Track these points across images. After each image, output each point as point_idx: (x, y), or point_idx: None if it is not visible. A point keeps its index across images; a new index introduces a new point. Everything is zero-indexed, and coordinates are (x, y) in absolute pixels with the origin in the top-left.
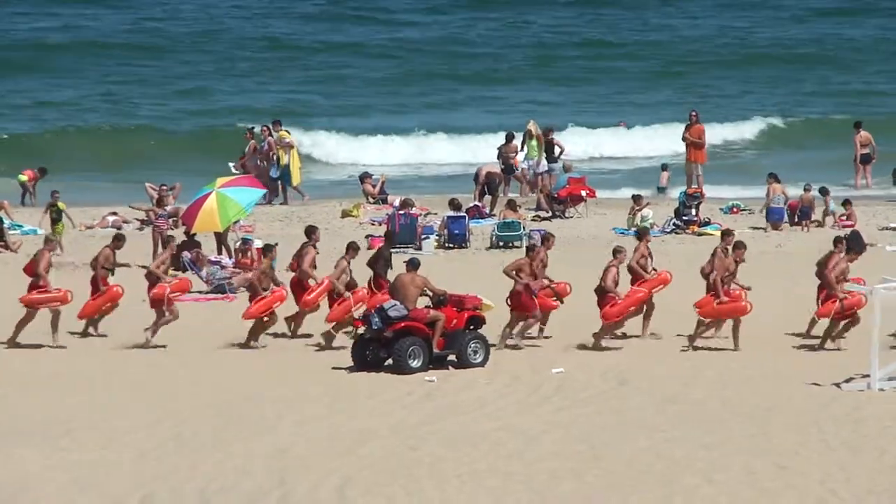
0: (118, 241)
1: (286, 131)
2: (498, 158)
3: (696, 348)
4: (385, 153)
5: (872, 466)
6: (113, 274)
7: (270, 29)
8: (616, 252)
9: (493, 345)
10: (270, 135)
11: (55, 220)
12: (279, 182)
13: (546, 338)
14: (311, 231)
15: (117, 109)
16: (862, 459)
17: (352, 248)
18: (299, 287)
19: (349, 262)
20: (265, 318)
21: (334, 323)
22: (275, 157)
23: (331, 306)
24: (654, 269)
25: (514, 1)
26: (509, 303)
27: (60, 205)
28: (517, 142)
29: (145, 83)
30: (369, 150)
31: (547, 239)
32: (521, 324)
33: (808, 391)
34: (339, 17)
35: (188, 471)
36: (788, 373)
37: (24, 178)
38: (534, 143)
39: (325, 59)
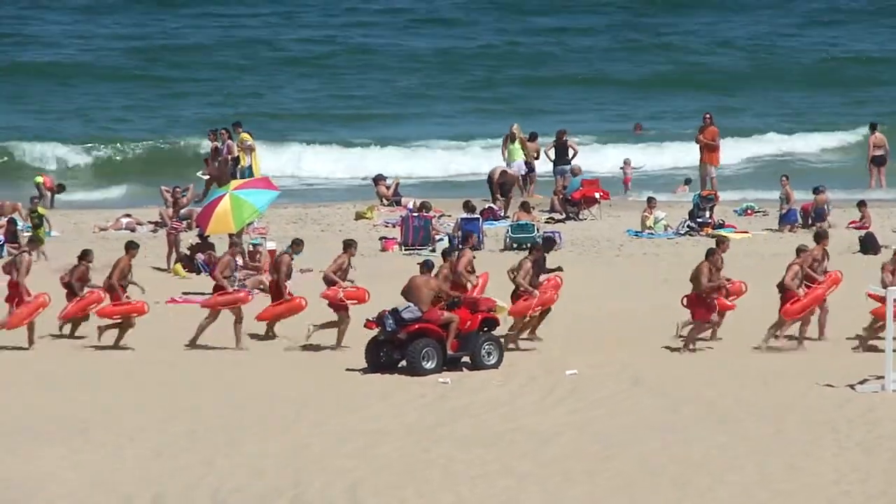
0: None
1: (248, 133)
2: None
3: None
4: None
5: (887, 468)
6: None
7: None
8: (799, 251)
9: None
10: (230, 137)
11: (37, 226)
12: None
13: (718, 339)
14: (348, 244)
15: None
16: (876, 461)
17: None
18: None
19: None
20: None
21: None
22: (233, 160)
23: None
24: (826, 271)
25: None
26: (686, 304)
27: (41, 210)
28: (537, 143)
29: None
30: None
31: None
32: (692, 327)
33: (822, 392)
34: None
35: (202, 470)
36: (802, 374)
37: (39, 179)
38: (516, 145)
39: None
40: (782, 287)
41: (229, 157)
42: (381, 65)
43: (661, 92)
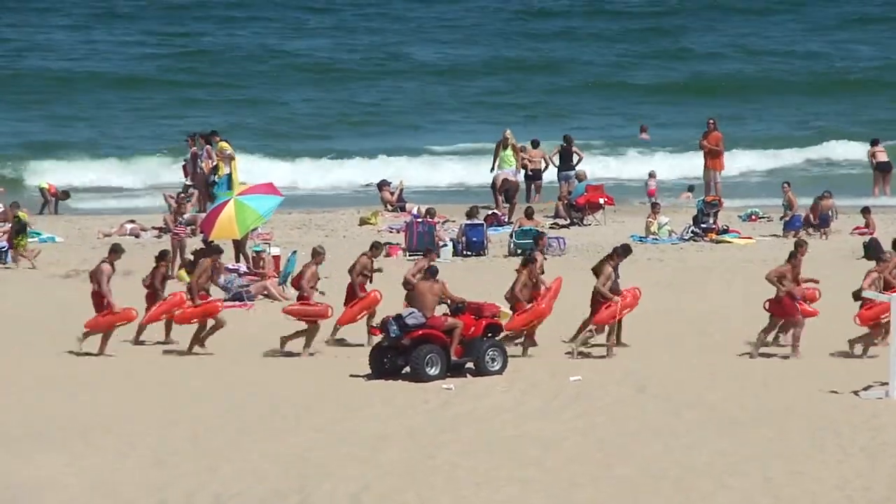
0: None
1: (226, 142)
2: (523, 166)
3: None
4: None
5: (890, 473)
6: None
7: None
8: (879, 259)
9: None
10: (209, 143)
11: (18, 232)
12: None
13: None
14: (374, 246)
15: None
16: (880, 467)
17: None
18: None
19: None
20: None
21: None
22: (212, 167)
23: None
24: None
25: None
26: (768, 308)
27: (21, 214)
28: (540, 149)
29: None
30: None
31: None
32: (792, 331)
33: (826, 398)
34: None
35: (204, 475)
36: (806, 379)
37: (44, 185)
38: (508, 152)
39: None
40: (858, 295)
41: (210, 162)
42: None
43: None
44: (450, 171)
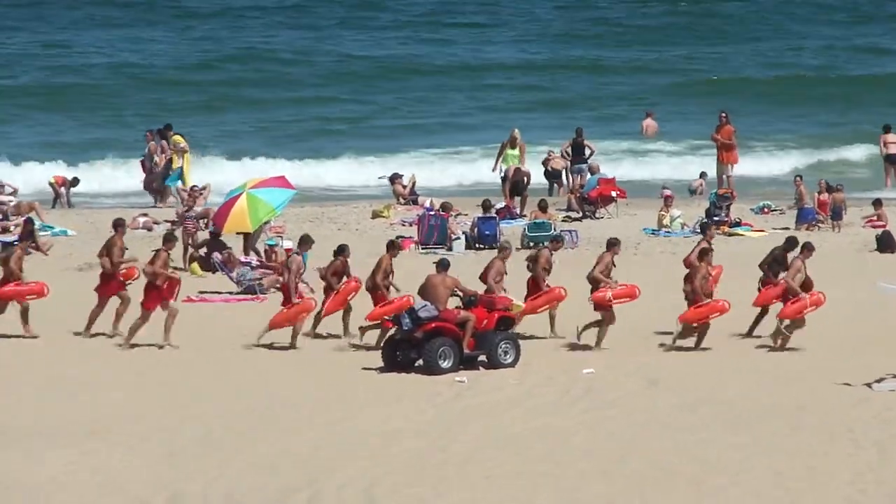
0: (393, 248)
1: (180, 136)
2: (544, 164)
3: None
4: None
5: None
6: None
7: None
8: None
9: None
10: (165, 139)
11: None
12: (174, 185)
13: None
14: (390, 245)
15: None
16: (892, 460)
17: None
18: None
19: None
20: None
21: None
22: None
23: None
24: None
25: None
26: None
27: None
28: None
29: None
30: None
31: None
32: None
33: (838, 391)
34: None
35: (216, 471)
36: (818, 373)
37: (51, 179)
38: (515, 151)
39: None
40: None
41: (164, 156)
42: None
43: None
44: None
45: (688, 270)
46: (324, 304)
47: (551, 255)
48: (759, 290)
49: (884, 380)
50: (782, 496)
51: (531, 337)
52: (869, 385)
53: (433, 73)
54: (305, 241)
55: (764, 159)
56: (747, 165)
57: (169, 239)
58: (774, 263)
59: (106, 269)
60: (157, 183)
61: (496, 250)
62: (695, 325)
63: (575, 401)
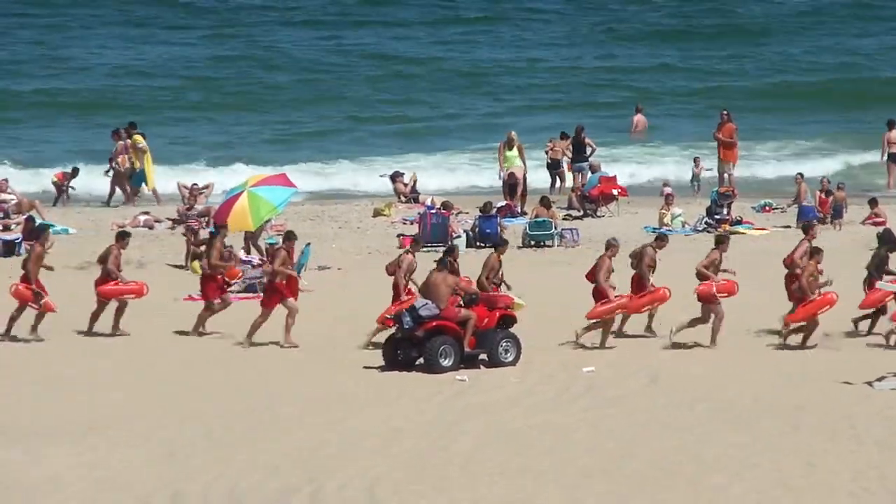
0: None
1: (140, 135)
2: (546, 153)
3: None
4: None
5: None
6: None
7: None
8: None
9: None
10: (129, 137)
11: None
12: (138, 186)
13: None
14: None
15: None
16: (894, 458)
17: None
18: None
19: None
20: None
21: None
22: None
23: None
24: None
25: None
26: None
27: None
28: (568, 141)
29: None
30: None
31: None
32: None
33: (839, 389)
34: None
35: (216, 470)
36: (819, 371)
37: (53, 178)
38: (514, 153)
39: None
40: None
41: (125, 157)
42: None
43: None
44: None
45: (788, 269)
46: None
47: (656, 252)
48: (866, 292)
49: (885, 378)
50: (783, 495)
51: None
52: (870, 383)
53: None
54: (289, 237)
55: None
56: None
57: (289, 237)
58: (881, 265)
59: (206, 272)
60: (123, 182)
61: (605, 248)
62: (802, 323)
63: (575, 399)
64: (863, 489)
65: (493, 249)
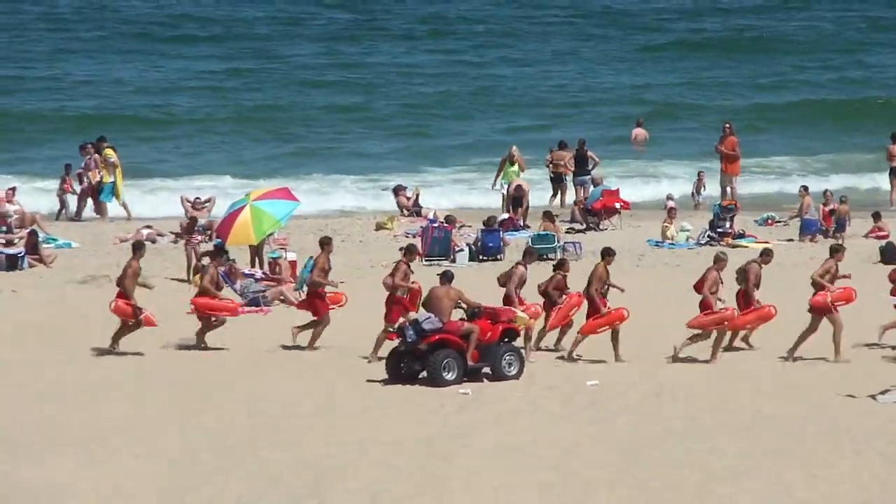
0: (609, 255)
1: (111, 149)
2: (547, 166)
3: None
4: None
5: None
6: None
7: None
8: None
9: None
10: (98, 152)
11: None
12: (108, 200)
13: None
14: (409, 250)
15: None
16: None
17: (410, 252)
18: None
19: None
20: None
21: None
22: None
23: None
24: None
25: None
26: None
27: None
28: (568, 150)
29: None
30: None
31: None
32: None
33: (842, 402)
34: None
35: (221, 479)
36: (823, 384)
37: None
38: (515, 168)
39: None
40: None
41: (96, 172)
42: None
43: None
44: None
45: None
46: (547, 318)
47: (760, 268)
48: None
49: (888, 391)
50: None
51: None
52: (873, 396)
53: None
54: (410, 251)
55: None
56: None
57: (411, 251)
58: None
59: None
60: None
61: (713, 261)
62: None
63: (580, 411)
64: (865, 502)
65: (600, 259)
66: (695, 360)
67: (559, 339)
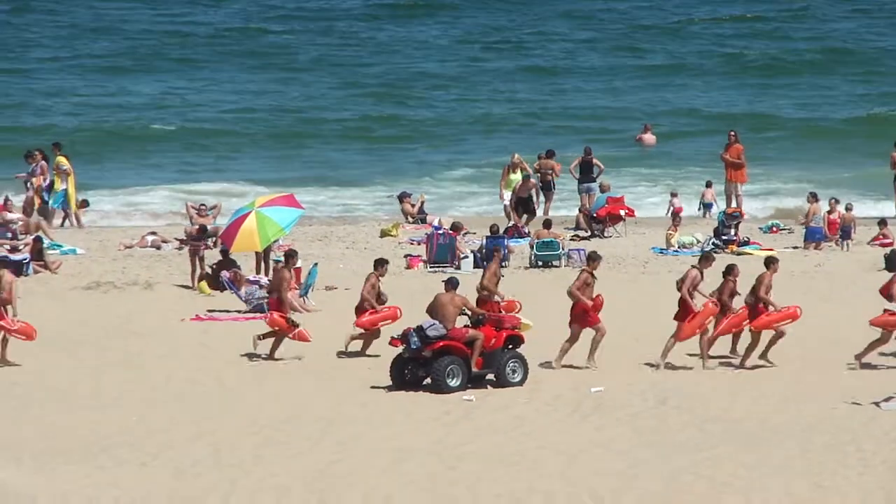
0: (774, 262)
1: (64, 157)
2: (536, 173)
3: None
4: None
5: None
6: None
7: None
8: None
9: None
10: (45, 159)
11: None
12: (58, 207)
13: None
14: (379, 263)
15: None
16: None
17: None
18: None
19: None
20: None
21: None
22: (49, 183)
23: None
24: None
25: None
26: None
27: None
28: (554, 159)
29: None
30: None
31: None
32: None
33: (847, 410)
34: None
35: (226, 488)
36: (828, 392)
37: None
38: (518, 175)
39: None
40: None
41: (42, 178)
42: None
43: None
44: None
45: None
46: (717, 325)
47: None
48: None
49: (892, 398)
50: None
51: None
52: (877, 404)
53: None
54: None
55: None
56: None
57: (593, 258)
58: None
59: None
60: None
61: (764, 265)
62: None
63: (584, 419)
64: None
65: (765, 266)
66: (698, 369)
67: (733, 347)
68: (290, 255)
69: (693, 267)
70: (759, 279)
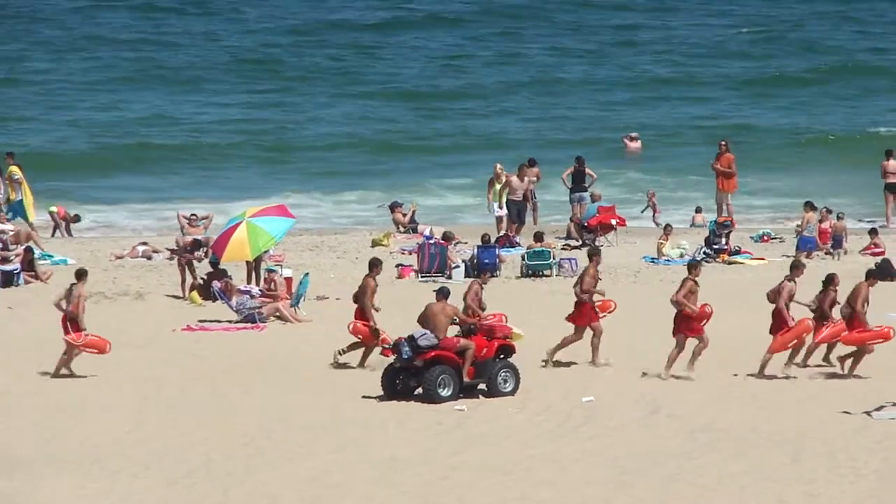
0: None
1: (17, 166)
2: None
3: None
4: None
5: None
6: None
7: None
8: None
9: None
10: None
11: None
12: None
13: None
14: (373, 264)
15: None
16: (893, 488)
17: (376, 266)
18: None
19: (795, 283)
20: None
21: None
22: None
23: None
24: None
25: None
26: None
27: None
28: (537, 168)
29: None
30: None
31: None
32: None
33: (838, 419)
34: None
35: (218, 498)
36: (819, 401)
37: (53, 209)
38: (498, 186)
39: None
40: None
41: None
42: None
43: None
44: None
45: None
46: (816, 333)
47: (795, 284)
48: None
49: (883, 408)
50: None
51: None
52: (868, 413)
53: None
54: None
55: None
56: None
57: (695, 265)
58: None
59: (581, 299)
60: None
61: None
62: None
63: (576, 428)
64: None
65: (865, 279)
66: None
67: (826, 355)
68: (375, 264)
69: (786, 278)
70: (855, 291)
